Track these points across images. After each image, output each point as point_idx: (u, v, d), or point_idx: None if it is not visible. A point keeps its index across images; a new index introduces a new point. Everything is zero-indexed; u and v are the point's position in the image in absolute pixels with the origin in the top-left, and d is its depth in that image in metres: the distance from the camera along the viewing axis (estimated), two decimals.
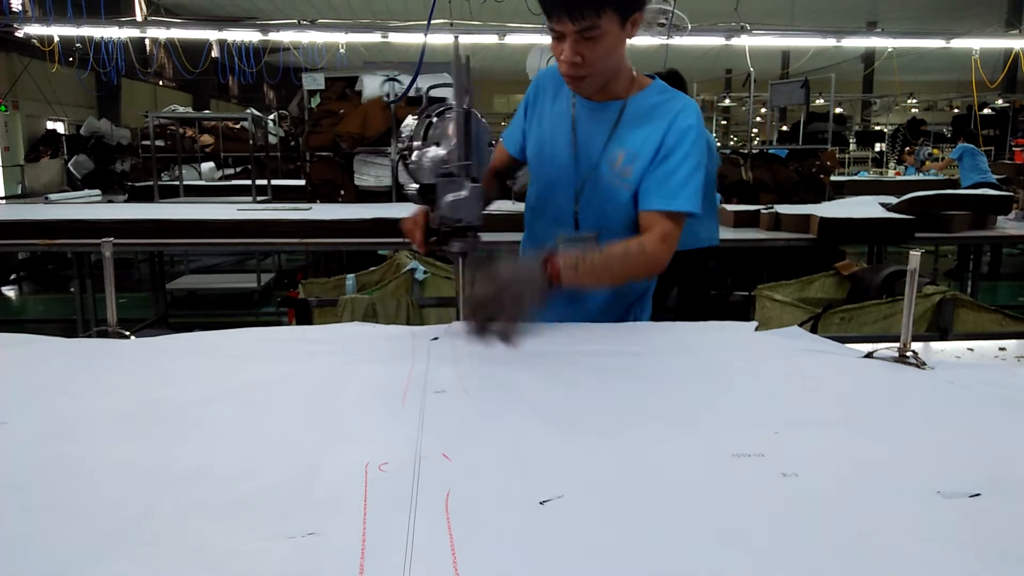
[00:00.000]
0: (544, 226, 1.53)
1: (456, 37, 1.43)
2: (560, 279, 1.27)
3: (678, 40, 6.20)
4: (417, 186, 1.19)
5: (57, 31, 7.59)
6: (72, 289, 4.47)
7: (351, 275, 3.27)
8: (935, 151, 13.52)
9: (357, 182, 5.68)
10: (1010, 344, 1.38)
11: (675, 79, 3.34)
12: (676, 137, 1.39)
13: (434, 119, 1.15)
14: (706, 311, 3.33)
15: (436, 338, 1.27)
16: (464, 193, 1.25)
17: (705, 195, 3.25)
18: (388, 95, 5.40)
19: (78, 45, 10.70)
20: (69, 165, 10.14)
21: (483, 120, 1.31)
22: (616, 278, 1.41)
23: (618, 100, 1.43)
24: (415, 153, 1.14)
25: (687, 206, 1.38)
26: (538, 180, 1.55)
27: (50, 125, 13.31)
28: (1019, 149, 9.69)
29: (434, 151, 1.14)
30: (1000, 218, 4.27)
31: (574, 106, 1.46)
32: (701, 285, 3.30)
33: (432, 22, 6.83)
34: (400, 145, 1.22)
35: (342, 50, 8.13)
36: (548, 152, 1.49)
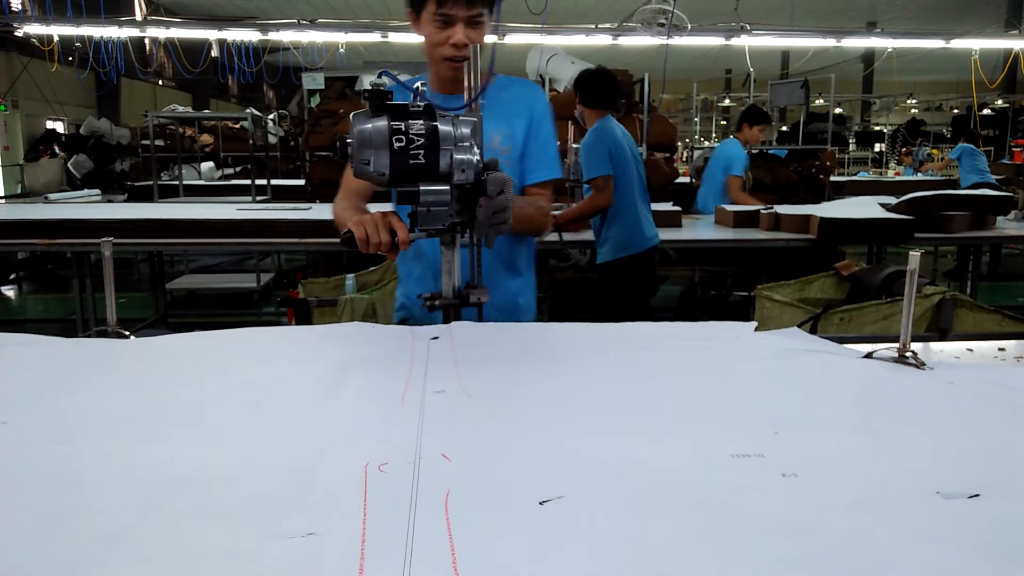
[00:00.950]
0: None
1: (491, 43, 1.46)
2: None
3: (678, 40, 6.21)
4: (448, 187, 1.19)
5: (57, 30, 7.60)
6: (72, 289, 4.47)
7: (351, 275, 3.26)
8: (934, 151, 13.53)
9: None
10: (1009, 344, 1.37)
11: (604, 76, 3.40)
12: (539, 115, 1.66)
13: (451, 121, 1.18)
14: (648, 309, 3.56)
15: (436, 337, 1.27)
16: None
17: (642, 196, 3.38)
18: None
19: (78, 44, 10.72)
20: (69, 165, 10.15)
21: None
22: (524, 225, 1.58)
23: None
24: (456, 155, 1.16)
25: (562, 174, 1.72)
26: None
27: (50, 124, 13.33)
28: (1019, 149, 9.70)
29: (473, 151, 1.16)
30: (1000, 218, 4.27)
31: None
32: (651, 283, 3.47)
33: None
34: (399, 144, 1.21)
35: (342, 50, 8.15)
36: None
